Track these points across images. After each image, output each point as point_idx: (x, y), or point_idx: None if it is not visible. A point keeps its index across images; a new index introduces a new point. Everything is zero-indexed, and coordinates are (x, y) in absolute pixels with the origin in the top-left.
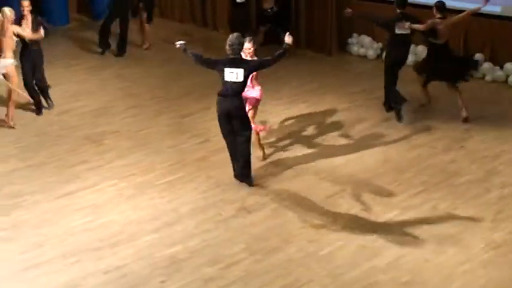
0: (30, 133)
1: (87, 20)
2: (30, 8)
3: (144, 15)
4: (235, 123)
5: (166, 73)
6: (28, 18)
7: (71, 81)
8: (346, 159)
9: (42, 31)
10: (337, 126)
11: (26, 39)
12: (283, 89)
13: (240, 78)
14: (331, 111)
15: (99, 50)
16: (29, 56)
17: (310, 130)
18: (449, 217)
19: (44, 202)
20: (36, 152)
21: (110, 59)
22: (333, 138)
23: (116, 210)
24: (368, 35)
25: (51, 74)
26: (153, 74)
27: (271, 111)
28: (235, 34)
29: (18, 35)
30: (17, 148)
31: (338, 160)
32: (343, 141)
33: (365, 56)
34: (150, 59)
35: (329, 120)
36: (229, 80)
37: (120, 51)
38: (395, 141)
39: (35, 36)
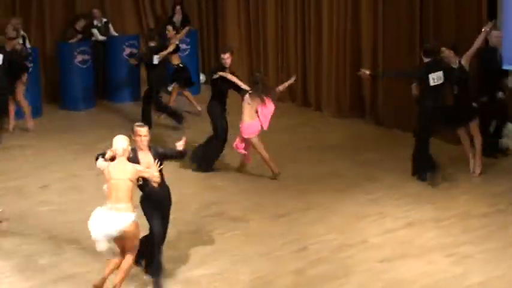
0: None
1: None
2: (148, 136)
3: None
4: None
5: (257, 162)
6: (146, 151)
7: None
8: (486, 276)
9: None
10: (471, 237)
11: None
12: (404, 186)
13: None
14: (464, 217)
15: None
16: (156, 201)
17: (437, 242)
18: None
19: None
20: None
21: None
22: (465, 252)
23: None
24: None
25: None
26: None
27: (389, 213)
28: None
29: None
30: (73, 248)
31: (471, 278)
32: (479, 255)
33: (507, 148)
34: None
35: (461, 229)
36: None
37: None
38: None
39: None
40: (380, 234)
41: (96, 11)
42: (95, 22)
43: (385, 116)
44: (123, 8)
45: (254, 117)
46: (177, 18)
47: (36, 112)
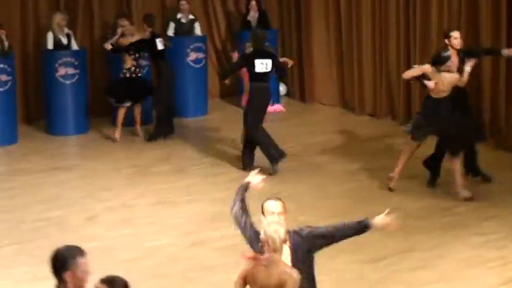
0: (145, 272)
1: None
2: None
3: None
4: None
5: (347, 192)
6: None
7: (209, 198)
8: None
9: None
10: None
11: None
12: (492, 221)
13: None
14: None
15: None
16: None
17: None
18: None
19: None
20: None
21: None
22: None
23: None
24: None
25: (183, 186)
26: (330, 194)
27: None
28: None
29: None
30: None
31: None
32: None
33: None
34: (325, 171)
35: None
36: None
37: None
38: None
39: None
40: (500, 284)
41: (183, 3)
42: (178, 16)
43: (510, 139)
44: (189, 4)
45: None
46: (252, 15)
47: (81, 127)
